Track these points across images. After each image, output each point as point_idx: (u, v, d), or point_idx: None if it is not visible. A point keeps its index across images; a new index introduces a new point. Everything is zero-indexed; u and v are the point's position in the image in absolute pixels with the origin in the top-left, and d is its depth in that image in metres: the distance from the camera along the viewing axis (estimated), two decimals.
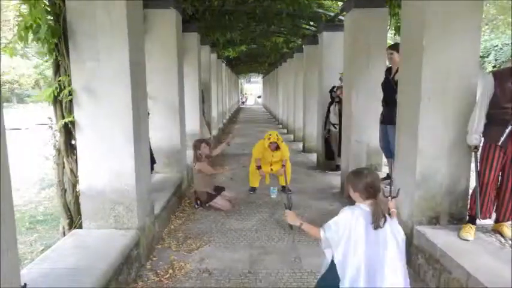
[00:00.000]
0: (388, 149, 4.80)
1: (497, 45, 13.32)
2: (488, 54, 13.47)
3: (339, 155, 6.50)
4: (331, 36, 7.19)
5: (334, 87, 6.83)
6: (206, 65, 9.32)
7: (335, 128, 6.83)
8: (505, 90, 2.89)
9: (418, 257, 3.22)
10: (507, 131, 2.85)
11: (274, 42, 11.31)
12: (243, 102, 38.85)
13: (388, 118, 4.60)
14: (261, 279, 3.20)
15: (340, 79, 6.47)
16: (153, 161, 4.73)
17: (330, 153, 7.20)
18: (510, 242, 3.00)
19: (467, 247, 2.88)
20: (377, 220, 2.05)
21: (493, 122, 2.99)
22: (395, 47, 4.56)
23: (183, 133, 5.65)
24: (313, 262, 3.45)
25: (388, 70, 4.83)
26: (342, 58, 6.01)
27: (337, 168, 6.91)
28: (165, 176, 5.21)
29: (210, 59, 10.37)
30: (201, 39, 7.97)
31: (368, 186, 2.11)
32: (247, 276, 3.24)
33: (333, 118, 6.88)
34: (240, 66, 21.63)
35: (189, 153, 6.26)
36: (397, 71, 4.50)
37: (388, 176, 4.93)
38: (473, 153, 3.11)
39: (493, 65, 13.31)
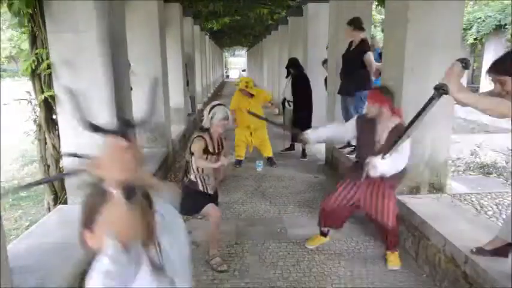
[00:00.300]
0: (347, 118, 4.88)
1: (479, 18, 13.39)
2: (471, 27, 13.56)
3: (294, 139, 6.20)
4: (316, 8, 7.09)
5: (326, 60, 6.55)
6: (189, 37, 9.11)
7: (289, 105, 6.29)
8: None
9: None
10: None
11: (258, 13, 11.07)
12: (227, 76, 38.38)
13: (346, 89, 4.82)
14: (247, 249, 3.28)
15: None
16: None
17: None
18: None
19: (445, 215, 3.01)
20: None
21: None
22: (349, 22, 4.67)
23: (167, 107, 5.58)
24: (298, 233, 3.55)
25: (350, 44, 4.87)
26: (327, 30, 5.96)
27: (289, 149, 6.56)
28: (150, 151, 5.18)
29: (193, 31, 10.13)
30: (183, 11, 7.75)
31: None
32: (234, 247, 3.32)
33: (288, 94, 6.30)
34: (224, 39, 21.18)
35: (174, 128, 6.22)
36: (355, 45, 4.68)
37: (349, 144, 4.99)
38: None
39: (474, 37, 13.43)
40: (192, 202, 2.91)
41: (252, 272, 2.94)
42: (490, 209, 3.51)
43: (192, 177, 2.97)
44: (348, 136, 3.41)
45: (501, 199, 3.76)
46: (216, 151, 2.97)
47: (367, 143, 2.87)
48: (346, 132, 3.18)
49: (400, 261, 2.99)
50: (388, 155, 2.45)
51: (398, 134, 2.49)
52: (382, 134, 2.79)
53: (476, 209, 3.49)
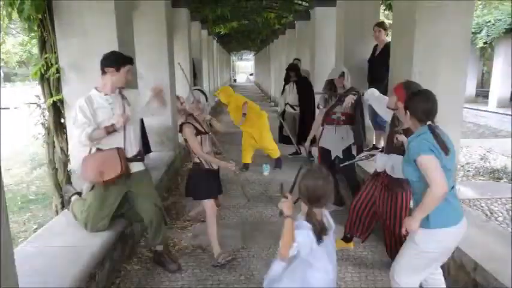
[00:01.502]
0: (375, 121, 4.84)
1: (489, 21, 13.24)
2: (481, 30, 13.41)
3: (300, 142, 6.05)
4: (324, 12, 7.08)
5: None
6: (197, 42, 9.16)
7: (294, 109, 6.28)
8: None
9: None
10: None
11: (265, 18, 11.12)
12: (234, 80, 38.51)
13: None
14: (253, 254, 3.27)
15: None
16: (147, 149, 4.49)
17: (284, 138, 6.48)
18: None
19: None
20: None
21: None
22: (382, 25, 4.60)
23: (174, 111, 5.60)
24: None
25: (375, 48, 4.83)
26: (334, 35, 5.94)
27: (296, 153, 6.39)
28: (157, 155, 5.20)
29: (201, 35, 10.19)
30: (191, 15, 7.81)
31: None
32: (240, 252, 3.30)
33: (290, 98, 6.30)
34: (231, 43, 21.28)
35: None
36: (381, 49, 4.57)
37: (374, 147, 4.95)
38: None
39: (484, 41, 13.28)
40: (205, 184, 3.12)
41: (258, 277, 2.92)
42: (500, 214, 3.45)
43: (196, 159, 3.13)
44: None
45: None
46: (205, 130, 3.16)
47: (390, 140, 2.84)
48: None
49: None
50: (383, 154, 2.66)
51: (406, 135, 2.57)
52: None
53: (486, 214, 3.43)
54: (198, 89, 3.25)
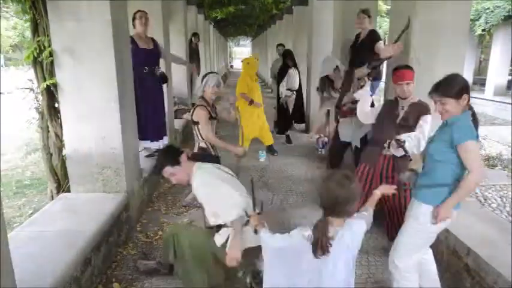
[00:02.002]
0: None
1: (488, 8, 13.14)
2: (479, 17, 13.31)
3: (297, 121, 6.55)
4: None
5: None
6: (193, 26, 9.03)
7: (294, 93, 6.47)
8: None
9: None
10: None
11: (263, 2, 10.96)
12: (231, 66, 38.21)
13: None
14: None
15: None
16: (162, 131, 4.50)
17: (284, 124, 6.68)
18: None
19: None
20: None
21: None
22: (367, 12, 4.53)
23: (170, 98, 5.56)
24: (301, 223, 3.55)
25: (357, 36, 4.75)
26: (332, 20, 5.87)
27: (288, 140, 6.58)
28: None
29: (197, 19, 10.05)
30: None
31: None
32: None
33: (295, 84, 6.46)
34: (228, 28, 21.02)
35: (176, 119, 6.21)
36: (365, 35, 4.52)
37: None
38: None
39: (482, 28, 13.19)
40: None
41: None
42: (494, 201, 3.48)
43: (202, 144, 3.14)
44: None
45: (505, 192, 3.72)
46: (215, 116, 3.20)
47: (387, 126, 2.89)
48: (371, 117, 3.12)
49: None
50: (406, 135, 2.64)
51: (419, 109, 2.77)
52: (402, 114, 2.86)
53: (480, 201, 3.46)
54: (213, 72, 3.30)
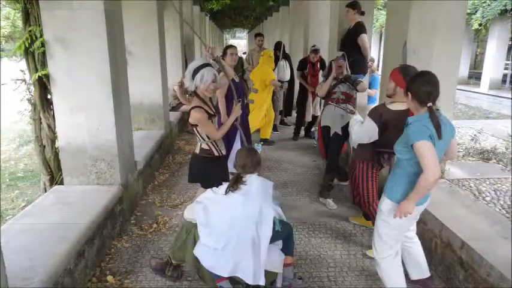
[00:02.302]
0: None
1: (485, 2, 13.10)
2: (476, 11, 13.28)
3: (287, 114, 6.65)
4: None
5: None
6: (188, 18, 8.94)
7: (283, 84, 6.39)
8: None
9: None
10: None
11: None
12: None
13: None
14: None
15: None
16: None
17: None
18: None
19: (443, 200, 2.99)
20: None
21: None
22: (351, 5, 4.59)
23: (165, 89, 5.51)
24: (296, 216, 3.56)
25: (348, 29, 4.79)
26: (329, 12, 5.83)
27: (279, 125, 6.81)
28: (148, 133, 5.14)
29: (193, 11, 9.94)
30: None
31: None
32: None
33: (287, 75, 6.48)
34: (224, 20, 20.85)
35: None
36: (351, 27, 4.61)
37: None
38: None
39: (479, 22, 13.17)
40: (215, 172, 2.87)
41: None
42: (488, 194, 3.48)
43: (204, 145, 2.83)
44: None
45: (499, 185, 3.73)
46: (214, 111, 2.85)
47: (394, 132, 2.64)
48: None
49: None
50: None
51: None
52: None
53: (475, 194, 3.46)
54: (209, 65, 2.72)
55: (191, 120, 2.72)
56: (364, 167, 3.01)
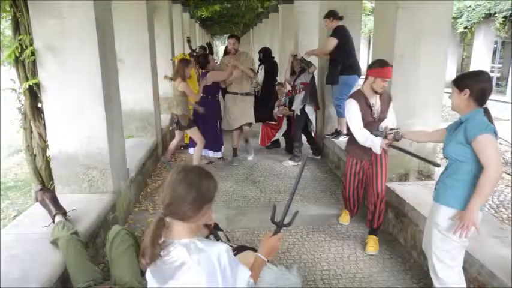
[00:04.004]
0: (338, 110, 5.01)
1: (469, 6, 13.39)
2: (461, 15, 13.55)
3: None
4: None
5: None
6: (178, 25, 8.96)
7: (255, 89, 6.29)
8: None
9: (388, 211, 3.37)
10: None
11: (248, 1, 10.94)
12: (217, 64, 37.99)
13: (331, 79, 4.94)
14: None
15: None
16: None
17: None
18: None
19: None
20: None
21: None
22: (326, 16, 4.87)
23: (156, 96, 5.51)
24: (287, 220, 3.56)
25: None
26: (318, 18, 5.90)
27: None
28: (139, 140, 5.13)
29: (183, 18, 9.97)
30: None
31: None
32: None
33: (261, 78, 6.37)
34: (214, 27, 20.94)
35: (163, 117, 6.16)
36: (331, 32, 4.83)
37: (337, 131, 5.20)
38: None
39: (464, 26, 13.43)
40: None
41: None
42: None
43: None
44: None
45: None
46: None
47: (369, 123, 2.96)
48: (359, 116, 3.03)
49: (378, 247, 3.08)
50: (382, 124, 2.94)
51: (388, 98, 3.02)
52: (376, 107, 2.98)
53: None
54: None
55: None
56: (352, 161, 3.16)
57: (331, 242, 3.22)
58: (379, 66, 2.85)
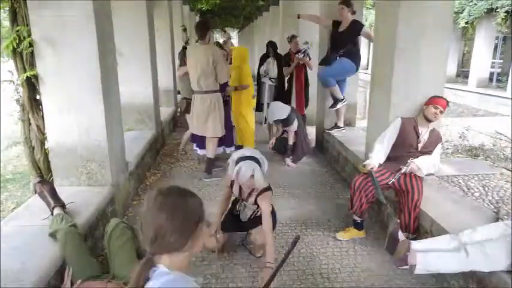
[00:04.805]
0: (325, 80, 4.97)
1: (471, 1, 13.30)
2: (463, 10, 13.47)
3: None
4: None
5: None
6: (178, 17, 8.90)
7: (272, 82, 6.04)
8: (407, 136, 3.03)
9: (387, 206, 3.36)
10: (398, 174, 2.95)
11: None
12: None
13: (327, 60, 4.93)
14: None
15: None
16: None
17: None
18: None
19: (433, 197, 3.03)
20: None
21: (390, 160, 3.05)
22: (344, 2, 4.72)
23: (155, 89, 5.49)
24: (288, 215, 3.57)
25: (337, 23, 4.89)
26: (319, 11, 5.86)
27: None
28: (139, 133, 5.12)
29: (183, 11, 9.91)
30: None
31: None
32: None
33: (273, 72, 6.11)
34: (214, 19, 20.80)
35: (163, 110, 6.14)
36: (347, 26, 4.73)
37: (336, 125, 5.24)
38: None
39: (466, 20, 13.36)
40: None
41: (241, 253, 2.96)
42: (477, 190, 3.55)
43: None
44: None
45: (488, 181, 3.81)
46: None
47: (408, 148, 2.99)
48: (393, 135, 3.07)
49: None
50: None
51: (437, 138, 3.01)
52: (424, 137, 3.00)
53: (463, 190, 3.53)
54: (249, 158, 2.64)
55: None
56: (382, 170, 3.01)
57: (330, 236, 3.22)
58: (433, 97, 3.02)
